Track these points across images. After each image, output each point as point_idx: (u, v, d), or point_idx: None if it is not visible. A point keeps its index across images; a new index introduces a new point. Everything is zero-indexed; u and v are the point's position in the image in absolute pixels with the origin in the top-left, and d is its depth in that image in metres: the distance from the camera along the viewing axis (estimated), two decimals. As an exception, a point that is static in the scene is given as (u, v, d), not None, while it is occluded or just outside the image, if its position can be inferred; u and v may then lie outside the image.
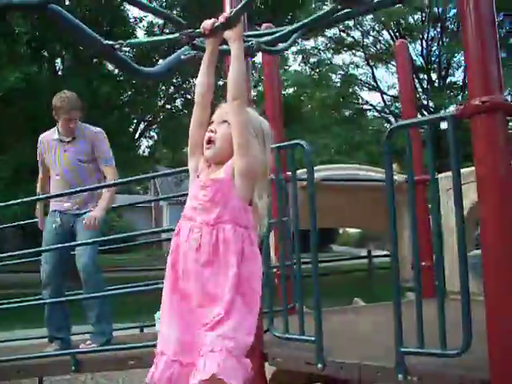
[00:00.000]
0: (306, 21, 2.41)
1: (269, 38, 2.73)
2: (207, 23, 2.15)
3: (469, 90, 2.46)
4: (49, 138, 4.88)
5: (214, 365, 1.97)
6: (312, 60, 20.73)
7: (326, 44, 20.74)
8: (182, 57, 2.80)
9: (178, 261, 2.19)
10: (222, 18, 2.10)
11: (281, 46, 2.73)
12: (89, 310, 4.50)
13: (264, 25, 4.85)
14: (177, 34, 2.38)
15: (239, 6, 2.02)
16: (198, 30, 2.25)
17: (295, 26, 2.35)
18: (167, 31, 20.34)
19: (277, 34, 2.58)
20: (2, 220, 18.34)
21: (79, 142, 4.77)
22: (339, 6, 2.29)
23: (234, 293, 2.06)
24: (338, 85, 20.30)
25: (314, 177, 3.30)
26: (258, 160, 2.14)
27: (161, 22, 20.95)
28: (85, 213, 4.59)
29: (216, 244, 2.11)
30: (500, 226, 2.35)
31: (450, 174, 4.87)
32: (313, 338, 3.11)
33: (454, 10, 19.04)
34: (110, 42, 2.56)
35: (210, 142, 2.19)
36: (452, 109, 19.11)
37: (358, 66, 21.74)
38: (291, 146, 3.32)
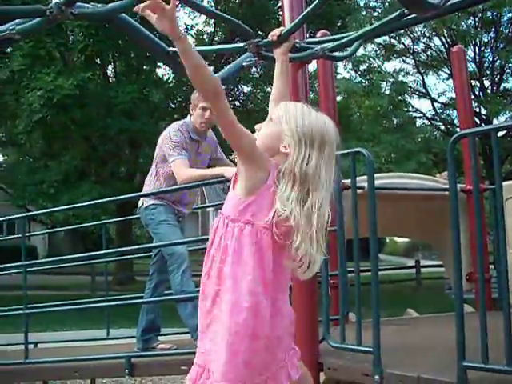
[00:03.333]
0: (371, 27, 2.38)
1: (331, 44, 2.71)
2: (275, 31, 2.13)
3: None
4: (186, 132, 4.38)
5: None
6: (362, 67, 20.52)
7: (376, 51, 20.52)
8: (244, 63, 2.81)
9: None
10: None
11: (343, 52, 2.71)
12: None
13: (320, 32, 4.82)
14: (241, 44, 2.38)
15: (310, 7, 1.98)
16: (265, 40, 2.24)
17: (360, 32, 2.32)
18: (217, 39, 20.60)
19: (342, 41, 2.54)
20: (55, 223, 18.89)
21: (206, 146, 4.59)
22: (406, 11, 2.25)
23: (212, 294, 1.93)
24: (388, 92, 20.02)
25: (365, 185, 3.25)
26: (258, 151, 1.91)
27: (210, 30, 21.25)
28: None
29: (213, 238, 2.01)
30: None
31: (509, 182, 4.77)
32: (371, 349, 3.06)
33: (510, 14, 18.57)
34: (174, 49, 2.59)
35: None
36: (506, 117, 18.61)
37: (408, 73, 21.43)
38: (352, 153, 3.27)
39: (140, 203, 4.51)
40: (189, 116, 4.49)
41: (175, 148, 4.23)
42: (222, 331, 1.87)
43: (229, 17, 2.47)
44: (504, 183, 4.92)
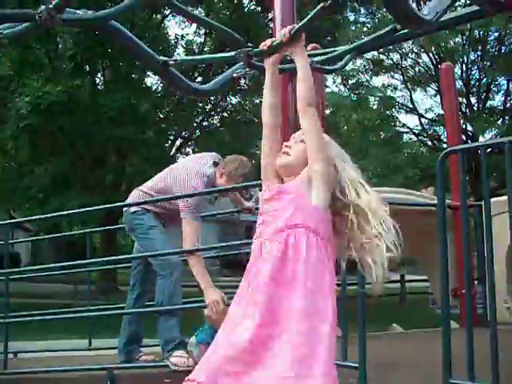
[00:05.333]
0: (363, 40, 2.38)
1: (321, 58, 2.71)
2: (267, 41, 2.12)
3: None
4: (207, 186, 4.27)
5: None
6: (350, 82, 20.65)
7: (365, 66, 20.67)
8: (234, 75, 2.79)
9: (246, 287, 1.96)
10: (284, 32, 2.05)
11: (336, 65, 2.71)
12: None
13: (310, 45, 4.82)
14: (233, 53, 2.36)
15: (302, 22, 1.98)
16: (256, 49, 2.23)
17: (352, 45, 2.31)
18: (206, 49, 20.62)
19: (334, 53, 2.55)
20: (39, 231, 18.71)
21: None
22: (398, 27, 2.25)
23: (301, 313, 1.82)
24: (375, 107, 20.17)
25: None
26: (331, 170, 2.02)
27: (200, 40, 21.26)
28: None
29: (285, 250, 1.88)
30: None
31: (496, 199, 4.80)
32: (356, 365, 3.03)
33: (496, 34, 18.83)
34: (165, 59, 2.57)
35: (284, 152, 2.09)
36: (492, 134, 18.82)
37: (396, 89, 21.61)
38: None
39: (126, 207, 4.45)
40: (213, 168, 4.28)
41: (194, 208, 4.13)
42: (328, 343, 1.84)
43: (220, 25, 2.46)
44: (494, 199, 4.96)
